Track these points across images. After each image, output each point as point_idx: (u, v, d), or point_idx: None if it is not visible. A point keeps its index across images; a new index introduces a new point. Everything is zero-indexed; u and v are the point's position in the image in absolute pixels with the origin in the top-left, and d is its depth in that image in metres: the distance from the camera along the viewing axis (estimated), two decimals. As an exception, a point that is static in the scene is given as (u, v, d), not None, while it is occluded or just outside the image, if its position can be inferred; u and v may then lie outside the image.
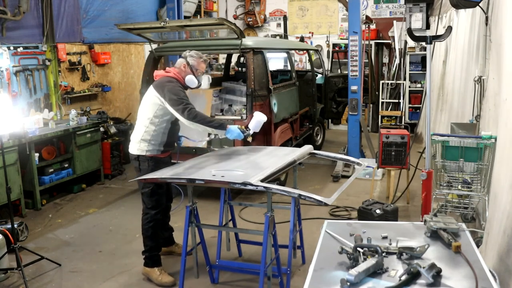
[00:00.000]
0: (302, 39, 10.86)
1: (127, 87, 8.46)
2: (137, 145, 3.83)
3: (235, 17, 12.15)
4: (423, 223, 2.43)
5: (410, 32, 3.90)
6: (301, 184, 5.98)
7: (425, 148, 3.92)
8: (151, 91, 3.80)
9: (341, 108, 8.67)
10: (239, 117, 5.63)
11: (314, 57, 9.55)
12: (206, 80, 6.08)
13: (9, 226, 4.06)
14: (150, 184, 3.76)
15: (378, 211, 4.31)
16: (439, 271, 1.89)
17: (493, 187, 3.56)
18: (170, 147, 3.94)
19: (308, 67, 9.83)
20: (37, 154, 5.55)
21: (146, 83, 5.85)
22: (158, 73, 3.95)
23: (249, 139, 3.85)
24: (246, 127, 3.83)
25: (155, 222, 3.88)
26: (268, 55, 6.18)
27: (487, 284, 1.84)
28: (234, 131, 3.72)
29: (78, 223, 5.24)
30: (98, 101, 7.69)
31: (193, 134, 5.66)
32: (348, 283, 1.85)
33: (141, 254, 4.02)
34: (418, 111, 9.69)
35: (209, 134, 4.04)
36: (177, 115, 3.68)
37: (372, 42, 9.68)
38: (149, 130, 3.78)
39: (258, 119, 3.84)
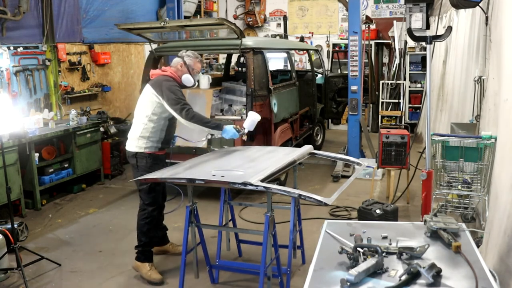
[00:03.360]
0: (302, 39, 10.86)
1: (127, 87, 8.46)
2: (135, 142, 3.87)
3: (235, 17, 12.15)
4: (423, 223, 2.43)
5: (410, 32, 3.90)
6: (301, 184, 5.99)
7: (425, 148, 3.93)
8: (148, 89, 3.85)
9: (341, 108, 8.66)
10: (239, 117, 5.63)
11: (314, 57, 9.54)
12: (206, 80, 6.09)
13: (9, 226, 4.06)
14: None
15: (378, 211, 4.31)
16: (439, 271, 1.89)
17: (493, 187, 3.56)
18: (167, 145, 4.01)
19: (308, 67, 9.83)
20: (37, 154, 5.55)
21: (146, 83, 5.83)
22: (154, 72, 4.02)
23: (244, 137, 4.01)
24: (241, 126, 3.94)
25: (151, 218, 3.94)
26: (268, 55, 6.19)
27: (487, 284, 1.84)
28: (229, 130, 3.83)
29: (78, 223, 5.24)
30: (98, 101, 7.69)
31: (192, 134, 5.68)
32: (348, 283, 1.84)
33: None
34: (418, 111, 9.69)
35: (206, 135, 4.09)
36: (175, 114, 3.75)
37: (372, 42, 9.68)
38: (148, 127, 3.83)
39: (253, 118, 3.95)
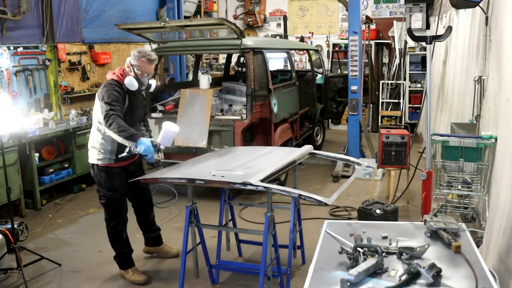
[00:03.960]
0: (302, 39, 10.86)
1: (127, 87, 8.46)
2: (90, 153, 3.73)
3: (235, 17, 12.15)
4: (423, 223, 2.43)
5: (410, 32, 3.90)
6: (301, 184, 5.98)
7: (425, 148, 3.93)
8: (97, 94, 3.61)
9: (341, 108, 8.66)
10: (239, 117, 5.63)
11: (314, 57, 9.55)
12: (206, 80, 6.09)
13: (9, 226, 4.05)
14: (107, 194, 3.69)
15: (378, 211, 4.31)
16: (439, 271, 1.89)
17: (493, 187, 3.56)
18: (124, 157, 3.50)
19: (308, 67, 9.83)
20: (37, 154, 5.55)
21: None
22: (108, 74, 3.74)
23: (160, 155, 3.42)
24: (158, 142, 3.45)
25: (116, 233, 3.80)
26: (268, 55, 6.19)
27: (487, 284, 1.84)
28: (144, 143, 3.31)
29: (78, 223, 5.24)
30: (98, 101, 7.69)
31: (193, 135, 5.69)
32: (348, 283, 1.84)
33: (140, 255, 4.03)
34: (418, 111, 9.69)
35: (127, 148, 3.46)
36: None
37: (372, 42, 9.67)
38: (98, 138, 3.64)
39: (165, 130, 3.43)
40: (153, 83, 3.74)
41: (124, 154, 3.40)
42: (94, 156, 3.68)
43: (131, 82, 3.54)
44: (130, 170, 3.81)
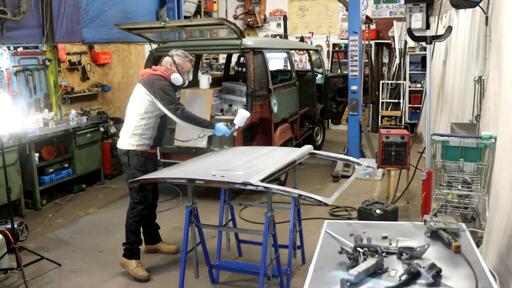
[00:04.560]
0: (302, 39, 10.86)
1: (127, 87, 8.45)
2: (127, 140, 3.91)
3: (235, 17, 12.15)
4: (423, 223, 2.43)
5: (410, 32, 3.90)
6: (301, 184, 5.98)
7: (425, 148, 3.93)
8: (140, 88, 3.89)
9: (341, 108, 8.66)
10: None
11: (314, 57, 9.54)
12: (206, 80, 6.09)
13: (9, 226, 4.05)
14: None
15: (378, 211, 4.30)
16: (439, 271, 1.89)
17: (493, 187, 3.56)
18: (159, 143, 4.05)
19: (308, 67, 9.83)
20: (37, 154, 5.55)
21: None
22: (145, 71, 4.07)
23: (235, 134, 4.22)
24: (232, 123, 4.07)
25: (140, 217, 3.98)
26: (268, 55, 6.18)
27: (487, 284, 1.84)
28: (221, 128, 3.95)
29: (78, 223, 5.24)
30: (98, 101, 7.69)
31: (189, 133, 5.68)
32: (348, 283, 1.84)
33: (141, 254, 4.02)
34: (418, 111, 9.69)
35: (199, 133, 4.16)
36: (169, 113, 3.82)
37: (372, 42, 9.68)
38: (140, 125, 3.87)
39: (243, 115, 4.06)
40: (190, 78, 4.22)
41: (196, 138, 4.32)
42: (134, 142, 3.88)
43: (177, 78, 3.98)
44: (155, 158, 4.13)
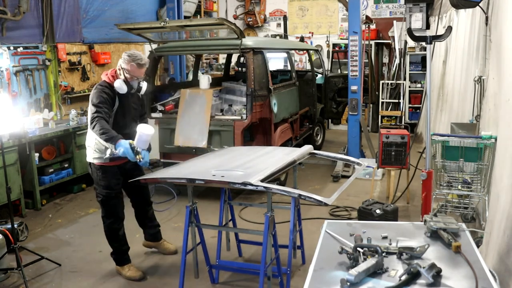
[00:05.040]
0: (302, 39, 10.86)
1: (127, 87, 8.46)
2: (87, 152, 3.80)
3: (235, 17, 12.15)
4: (423, 223, 2.43)
5: (410, 32, 3.91)
6: (301, 184, 5.98)
7: (425, 148, 3.93)
8: None
9: (341, 108, 8.66)
10: (239, 117, 5.63)
11: (314, 57, 9.54)
12: (206, 80, 6.09)
13: (9, 226, 4.06)
14: (103, 192, 3.76)
15: (378, 211, 4.31)
16: (439, 271, 1.89)
17: (493, 187, 3.56)
18: (119, 156, 3.50)
19: (308, 67, 9.83)
20: (37, 154, 5.55)
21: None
22: (102, 74, 3.80)
23: (138, 157, 3.41)
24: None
25: (111, 231, 3.88)
26: (268, 55, 6.18)
27: (487, 284, 1.84)
28: (123, 145, 3.36)
29: (78, 223, 5.24)
30: (98, 101, 7.69)
31: (192, 135, 5.69)
32: (348, 283, 1.84)
33: (140, 255, 4.02)
34: (418, 111, 9.69)
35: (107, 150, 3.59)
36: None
37: (372, 42, 9.67)
38: (92, 137, 3.67)
39: (140, 133, 3.45)
40: (144, 85, 3.78)
41: (107, 156, 3.53)
42: (90, 155, 3.76)
43: (120, 86, 3.59)
44: (127, 169, 3.83)
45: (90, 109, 3.53)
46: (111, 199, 3.80)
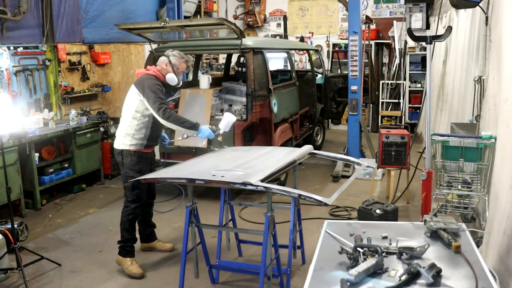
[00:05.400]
0: (302, 39, 10.86)
1: (127, 87, 8.39)
2: (121, 140, 3.97)
3: (235, 17, 12.15)
4: (423, 223, 2.43)
5: (410, 32, 3.90)
6: (301, 184, 5.99)
7: (425, 148, 3.93)
8: (133, 88, 3.94)
9: (341, 108, 8.67)
10: (239, 117, 5.63)
11: (314, 57, 9.54)
12: (206, 80, 6.09)
13: (9, 226, 4.05)
14: (136, 175, 3.82)
15: (378, 211, 4.30)
16: (439, 271, 1.89)
17: (493, 187, 3.56)
18: (153, 142, 4.06)
19: (308, 67, 9.83)
20: (37, 154, 5.54)
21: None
22: (139, 71, 4.11)
23: (220, 138, 4.10)
24: (217, 127, 4.04)
25: (134, 215, 4.01)
26: (268, 55, 6.19)
27: (487, 284, 1.84)
28: (205, 131, 3.92)
29: (78, 223, 5.24)
30: (98, 101, 7.69)
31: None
32: (348, 283, 1.84)
33: (140, 254, 4.03)
34: (418, 111, 9.69)
35: (183, 134, 4.17)
36: (153, 112, 3.82)
37: (372, 42, 9.68)
38: (132, 125, 3.90)
39: (228, 119, 4.06)
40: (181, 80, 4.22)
41: (180, 138, 4.29)
42: (127, 142, 3.92)
43: (172, 78, 4.00)
44: (150, 157, 4.13)
45: (151, 98, 3.77)
46: (142, 183, 3.92)
